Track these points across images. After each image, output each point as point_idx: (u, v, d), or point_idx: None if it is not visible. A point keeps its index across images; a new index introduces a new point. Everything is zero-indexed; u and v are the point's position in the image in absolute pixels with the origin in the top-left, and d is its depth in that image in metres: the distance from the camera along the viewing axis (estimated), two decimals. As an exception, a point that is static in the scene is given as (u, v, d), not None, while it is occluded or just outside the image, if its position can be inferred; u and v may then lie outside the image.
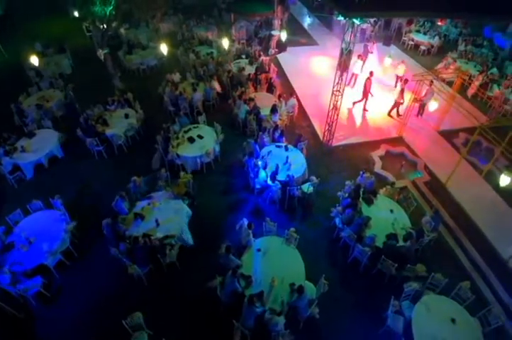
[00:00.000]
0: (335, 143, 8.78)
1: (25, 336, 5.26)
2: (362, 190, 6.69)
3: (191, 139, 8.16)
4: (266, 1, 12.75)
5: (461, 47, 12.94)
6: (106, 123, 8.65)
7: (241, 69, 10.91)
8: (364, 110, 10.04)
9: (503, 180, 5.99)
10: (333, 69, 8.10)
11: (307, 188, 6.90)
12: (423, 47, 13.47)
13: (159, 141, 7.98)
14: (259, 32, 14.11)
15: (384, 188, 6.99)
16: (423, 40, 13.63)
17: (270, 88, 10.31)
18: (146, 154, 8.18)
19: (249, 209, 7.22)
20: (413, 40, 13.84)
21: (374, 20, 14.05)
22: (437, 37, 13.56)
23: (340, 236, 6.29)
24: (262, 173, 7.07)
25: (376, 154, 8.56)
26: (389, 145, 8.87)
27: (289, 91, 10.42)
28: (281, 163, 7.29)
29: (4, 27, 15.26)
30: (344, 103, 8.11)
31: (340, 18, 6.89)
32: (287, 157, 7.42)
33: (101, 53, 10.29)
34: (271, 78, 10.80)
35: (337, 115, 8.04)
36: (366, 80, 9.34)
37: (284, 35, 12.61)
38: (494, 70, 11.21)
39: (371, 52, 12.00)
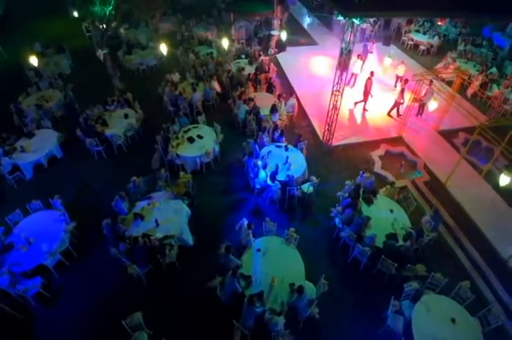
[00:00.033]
0: (334, 143, 8.78)
1: (25, 336, 5.26)
2: (361, 190, 6.69)
3: (190, 139, 8.16)
4: (265, 0, 12.75)
5: (460, 47, 12.94)
6: (106, 123, 8.64)
7: (241, 69, 10.91)
8: (364, 110, 10.04)
9: (503, 180, 5.99)
10: (333, 68, 8.10)
11: (307, 188, 6.90)
12: (422, 47, 13.48)
13: (159, 141, 7.97)
14: (259, 32, 14.10)
15: (384, 188, 6.99)
16: (422, 39, 13.63)
17: (270, 88, 10.30)
18: (146, 154, 8.18)
19: (249, 209, 7.22)
20: (412, 40, 13.84)
21: (374, 20, 14.05)
22: (436, 37, 13.56)
23: (340, 236, 6.29)
24: (262, 173, 7.07)
25: (375, 154, 8.56)
26: (389, 145, 8.87)
27: (289, 91, 10.41)
28: (281, 163, 7.29)
29: (4, 28, 15.25)
30: (344, 103, 8.11)
31: (340, 17, 6.90)
32: (287, 157, 7.42)
33: (101, 53, 10.28)
34: (270, 78, 10.79)
35: (337, 115, 8.04)
36: (367, 80, 9.34)
37: (284, 35, 12.61)
38: (494, 70, 11.22)
39: (371, 52, 12.00)
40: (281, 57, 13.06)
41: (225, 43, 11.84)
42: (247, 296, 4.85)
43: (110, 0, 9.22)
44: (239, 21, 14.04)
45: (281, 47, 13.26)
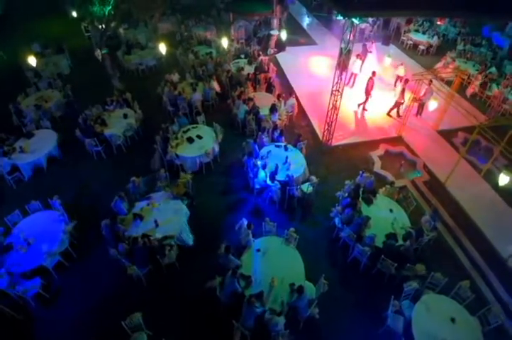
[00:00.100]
0: (334, 143, 8.78)
1: (24, 337, 5.25)
2: (361, 189, 6.69)
3: (190, 140, 8.15)
4: (265, 0, 12.73)
5: (460, 47, 12.94)
6: (105, 123, 8.63)
7: (240, 69, 10.89)
8: (364, 109, 10.04)
9: (502, 180, 6.00)
10: (332, 68, 8.10)
11: (306, 187, 6.89)
12: (421, 47, 13.47)
13: (158, 141, 7.96)
14: (258, 31, 14.09)
15: (384, 188, 6.99)
16: (421, 39, 13.63)
17: (269, 88, 10.30)
18: (145, 154, 8.16)
19: (249, 209, 7.21)
20: (411, 40, 13.84)
21: (373, 20, 14.05)
22: (435, 37, 13.57)
23: (340, 236, 6.29)
24: (262, 173, 7.06)
25: (375, 154, 8.56)
26: (388, 145, 8.87)
27: (288, 91, 10.41)
28: (281, 163, 7.28)
29: (3, 28, 15.22)
30: (344, 103, 8.10)
31: (339, 17, 6.90)
32: (286, 157, 7.41)
33: (99, 53, 10.27)
34: (270, 78, 10.78)
35: (337, 115, 8.04)
36: (368, 80, 9.32)
37: (284, 35, 12.59)
38: (493, 69, 11.22)
39: (371, 52, 12.00)
40: (280, 56, 13.06)
41: (224, 43, 11.84)
42: (246, 296, 4.84)
43: (110, 0, 9.20)
44: (238, 21, 14.03)
45: (280, 46, 13.25)
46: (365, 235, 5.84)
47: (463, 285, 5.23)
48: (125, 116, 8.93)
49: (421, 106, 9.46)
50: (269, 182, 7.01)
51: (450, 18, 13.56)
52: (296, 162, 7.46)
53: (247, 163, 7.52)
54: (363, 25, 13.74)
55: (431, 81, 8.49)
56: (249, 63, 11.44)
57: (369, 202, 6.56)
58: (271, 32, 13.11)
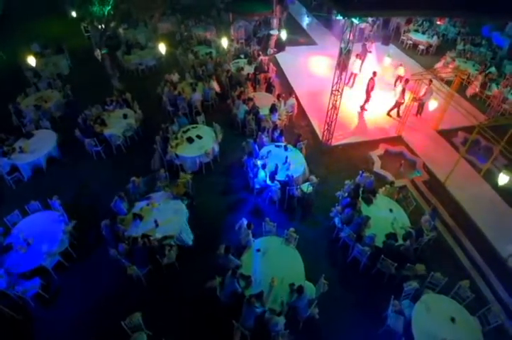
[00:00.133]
0: (334, 143, 8.78)
1: (24, 337, 5.24)
2: (361, 189, 6.69)
3: (190, 140, 8.14)
4: (264, 0, 12.73)
5: (459, 47, 12.95)
6: (105, 123, 8.62)
7: (240, 69, 10.89)
8: (363, 109, 10.03)
9: (502, 179, 6.00)
10: (332, 68, 8.10)
11: (306, 187, 6.89)
12: (421, 47, 13.47)
13: (158, 141, 7.96)
14: (258, 31, 14.09)
15: (383, 188, 6.99)
16: (421, 39, 13.63)
17: (269, 88, 10.29)
18: (145, 154, 8.16)
19: (249, 209, 7.21)
20: (411, 40, 13.84)
21: (373, 20, 14.04)
22: (435, 37, 13.57)
23: (340, 235, 6.29)
24: (262, 173, 7.06)
25: (375, 154, 8.56)
26: (388, 144, 8.87)
27: (288, 91, 10.41)
28: (281, 163, 7.28)
29: (2, 28, 15.21)
30: (344, 103, 8.10)
31: (339, 17, 6.89)
32: (286, 157, 7.41)
33: (99, 53, 10.26)
34: (270, 78, 10.78)
35: (337, 115, 8.04)
36: (369, 80, 9.32)
37: (284, 34, 12.59)
38: (493, 69, 11.22)
39: (370, 52, 12.00)
40: (280, 56, 13.06)
41: (224, 43, 11.84)
42: (246, 296, 4.84)
43: (109, 0, 9.19)
44: (238, 21, 14.03)
45: (280, 46, 13.25)
46: (365, 235, 5.84)
47: (463, 285, 5.23)
48: (125, 116, 8.92)
49: (421, 106, 9.46)
50: (269, 182, 7.01)
51: (450, 17, 13.56)
52: (295, 162, 7.45)
53: (247, 163, 7.52)
54: (363, 25, 13.73)
55: (431, 80, 8.49)
56: (249, 63, 11.43)
57: (368, 202, 6.56)
58: (271, 32, 13.11)
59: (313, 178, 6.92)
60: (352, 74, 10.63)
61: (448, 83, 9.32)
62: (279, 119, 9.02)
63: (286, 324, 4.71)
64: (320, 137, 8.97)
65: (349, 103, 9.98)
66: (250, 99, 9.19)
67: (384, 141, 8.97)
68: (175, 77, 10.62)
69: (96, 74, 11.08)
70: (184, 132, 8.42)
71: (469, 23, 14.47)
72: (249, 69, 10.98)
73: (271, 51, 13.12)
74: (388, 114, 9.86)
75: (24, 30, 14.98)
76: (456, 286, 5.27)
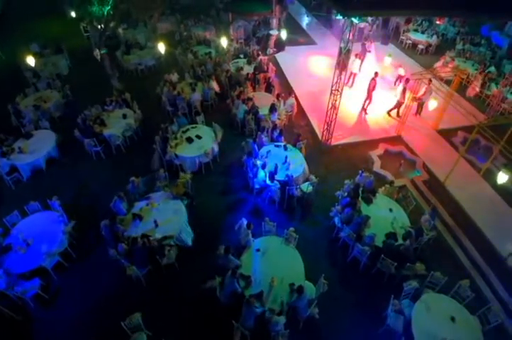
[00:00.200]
0: (333, 142, 8.78)
1: (24, 338, 5.23)
2: (361, 189, 6.69)
3: (189, 140, 8.13)
4: (264, 0, 12.73)
5: (459, 46, 12.95)
6: (104, 123, 8.61)
7: (239, 69, 10.88)
8: (365, 112, 10.02)
9: (501, 178, 6.00)
10: (332, 68, 8.09)
11: (306, 187, 6.89)
12: (420, 46, 13.47)
13: (158, 141, 7.95)
14: (258, 31, 14.08)
15: (383, 187, 6.98)
16: (420, 39, 13.63)
17: (268, 88, 10.29)
18: (144, 154, 8.15)
19: (249, 209, 7.20)
20: (410, 39, 13.84)
21: (372, 19, 14.04)
22: (435, 36, 13.57)
23: (340, 235, 6.28)
24: (261, 173, 7.06)
25: (375, 153, 8.56)
26: (388, 144, 8.87)
27: (288, 91, 10.41)
28: (280, 162, 7.28)
29: (1, 28, 15.19)
30: (343, 103, 8.10)
31: (339, 17, 6.88)
32: (286, 157, 7.40)
33: (98, 53, 10.25)
34: (269, 78, 10.78)
35: (336, 115, 8.03)
36: (371, 80, 9.30)
37: (284, 34, 12.58)
38: (492, 69, 11.22)
39: (370, 51, 11.99)
40: (279, 56, 13.05)
41: (223, 43, 11.83)
42: (246, 296, 4.83)
43: (108, 0, 9.18)
44: (237, 21, 14.03)
45: (279, 46, 13.24)
46: (365, 234, 5.84)
47: (463, 284, 5.23)
48: (124, 116, 8.91)
49: (421, 105, 9.46)
50: (268, 182, 7.00)
51: (449, 17, 13.56)
52: (295, 162, 7.45)
53: (246, 163, 7.51)
54: (362, 25, 13.70)
55: (430, 80, 8.49)
56: (249, 63, 11.43)
57: (368, 201, 6.56)
58: (271, 32, 13.11)
59: (313, 177, 6.92)
60: (351, 73, 10.63)
61: (447, 82, 9.32)
62: (279, 119, 9.02)
63: (286, 324, 4.70)
64: (320, 137, 8.97)
65: (349, 102, 9.97)
66: (250, 99, 9.18)
67: (384, 140, 8.96)
68: (174, 77, 10.61)
69: (96, 74, 11.06)
70: (184, 132, 8.41)
71: (468, 22, 14.47)
72: (248, 69, 10.98)
73: (270, 51, 13.11)
74: (389, 114, 9.86)
75: (23, 30, 14.96)
76: (456, 285, 5.27)
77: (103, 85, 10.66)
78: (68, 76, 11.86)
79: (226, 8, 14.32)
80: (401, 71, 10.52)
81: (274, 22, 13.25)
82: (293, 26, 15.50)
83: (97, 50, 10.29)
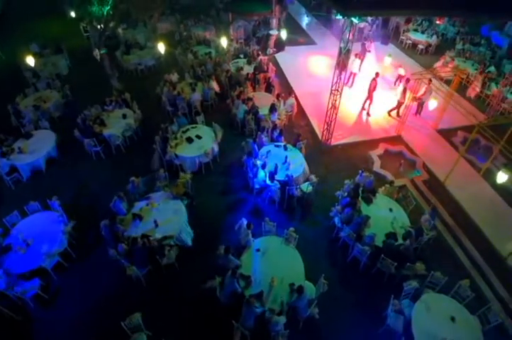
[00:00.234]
0: (333, 142, 8.78)
1: (23, 338, 5.23)
2: (361, 189, 6.69)
3: (189, 140, 8.13)
4: (264, 0, 12.73)
5: (459, 46, 12.95)
6: (104, 123, 8.61)
7: (239, 69, 10.88)
8: (363, 109, 10.03)
9: (500, 177, 6.00)
10: (332, 68, 8.09)
11: (306, 187, 6.88)
12: (420, 46, 13.47)
13: (158, 141, 7.95)
14: (257, 31, 14.08)
15: (383, 187, 6.98)
16: (420, 38, 13.63)
17: (268, 88, 10.28)
18: (144, 154, 8.15)
19: (248, 209, 7.20)
20: (410, 39, 13.84)
21: (372, 19, 14.04)
22: (434, 36, 13.57)
23: (340, 235, 6.28)
24: (261, 173, 7.05)
25: (374, 153, 8.56)
26: (388, 144, 8.87)
27: (288, 91, 10.41)
28: (280, 162, 7.27)
29: (1, 28, 15.19)
30: (343, 103, 8.10)
31: (339, 16, 6.88)
32: (286, 157, 7.40)
33: (98, 53, 10.24)
34: (269, 78, 10.78)
35: (336, 114, 8.03)
36: (371, 81, 9.29)
37: (284, 34, 12.58)
38: (492, 68, 11.23)
39: (369, 51, 11.99)
40: (279, 56, 13.05)
41: (223, 43, 11.83)
42: (246, 296, 4.83)
43: (108, 0, 9.17)
44: (237, 21, 14.03)
45: (279, 46, 13.24)
46: (365, 234, 5.84)
47: (463, 284, 5.23)
48: (124, 116, 8.91)
49: (420, 105, 9.46)
50: (268, 182, 7.00)
51: (449, 17, 13.56)
52: (295, 162, 7.45)
53: (246, 163, 7.51)
54: (362, 25, 13.71)
55: (430, 80, 8.49)
56: (249, 63, 11.42)
57: (368, 201, 6.56)
58: (271, 32, 13.11)
59: (313, 177, 6.92)
60: (351, 73, 10.63)
61: (447, 82, 9.32)
62: (279, 119, 9.02)
63: (286, 324, 4.70)
64: (320, 137, 8.96)
65: (349, 102, 9.97)
66: (250, 99, 9.18)
67: (384, 140, 8.96)
68: (174, 77, 10.61)
69: (95, 74, 11.06)
70: (184, 132, 8.41)
71: (468, 22, 14.47)
72: (248, 69, 10.97)
73: (270, 51, 13.11)
74: (389, 113, 9.85)
75: (23, 30, 14.95)
76: (456, 285, 5.27)
77: (102, 85, 10.66)
78: (68, 76, 11.85)
79: (226, 8, 14.32)
80: (401, 71, 10.52)
81: (274, 22, 13.25)
82: (293, 26, 15.49)
83: (97, 50, 10.29)
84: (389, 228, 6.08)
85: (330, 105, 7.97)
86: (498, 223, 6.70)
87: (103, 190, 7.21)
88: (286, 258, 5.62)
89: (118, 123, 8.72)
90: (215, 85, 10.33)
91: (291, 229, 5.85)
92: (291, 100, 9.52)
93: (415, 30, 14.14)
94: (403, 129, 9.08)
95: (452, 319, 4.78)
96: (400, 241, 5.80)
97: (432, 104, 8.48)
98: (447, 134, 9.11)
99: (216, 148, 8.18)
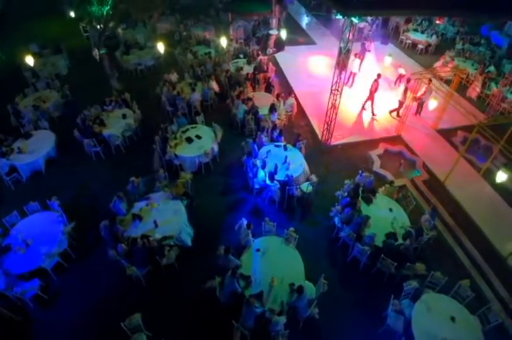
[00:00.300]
0: (333, 142, 8.78)
1: (23, 338, 5.22)
2: (361, 189, 6.68)
3: (189, 140, 8.13)
4: (263, 0, 12.72)
5: (458, 46, 12.95)
6: (103, 124, 8.60)
7: (239, 69, 10.88)
8: (363, 109, 10.03)
9: (500, 177, 6.00)
10: (331, 68, 8.09)
11: (306, 187, 6.88)
12: (420, 46, 13.47)
13: (157, 141, 7.94)
14: (257, 31, 14.08)
15: (383, 187, 6.98)
16: (420, 38, 13.63)
17: (268, 88, 10.28)
18: (144, 154, 8.14)
19: (248, 209, 7.20)
20: (410, 39, 13.84)
21: (372, 19, 14.03)
22: (434, 36, 13.57)
23: (340, 235, 6.28)
24: (261, 173, 7.05)
25: (374, 153, 8.56)
26: (388, 144, 8.87)
27: (287, 91, 10.40)
28: (280, 162, 7.27)
29: (1, 28, 15.17)
30: (343, 102, 8.09)
31: (339, 16, 6.87)
32: (286, 157, 7.40)
33: (97, 53, 10.23)
34: (269, 78, 10.77)
35: (336, 114, 8.03)
36: (373, 81, 9.27)
37: (283, 34, 12.58)
38: (492, 68, 11.23)
39: (369, 51, 11.99)
40: (279, 56, 13.04)
41: (223, 43, 11.83)
42: (246, 296, 4.83)
43: (108, 0, 9.17)
44: (237, 21, 14.02)
45: (279, 46, 13.24)
46: (365, 234, 5.83)
47: (463, 284, 5.23)
48: (124, 116, 8.90)
49: (420, 105, 9.45)
50: (268, 182, 7.00)
51: (449, 17, 13.57)
52: (295, 162, 7.44)
53: (246, 163, 7.50)
54: (362, 24, 13.70)
55: (430, 80, 8.49)
56: (248, 63, 11.42)
57: (368, 201, 6.55)
58: (270, 31, 13.10)
59: (313, 177, 6.91)
60: (351, 73, 10.62)
61: (447, 82, 9.32)
62: (279, 119, 9.01)
63: (286, 324, 4.70)
64: (320, 137, 8.96)
65: (349, 102, 9.96)
66: (249, 99, 9.18)
67: (384, 140, 8.96)
68: (174, 77, 10.60)
69: (95, 74, 11.05)
70: (183, 132, 8.40)
71: (468, 22, 14.47)
72: (248, 69, 10.97)
73: (270, 51, 13.10)
74: (390, 113, 9.85)
75: (23, 30, 14.94)
76: (456, 285, 5.27)
77: (102, 85, 10.65)
78: (67, 76, 11.84)
79: (226, 8, 14.32)
80: (402, 71, 10.51)
81: (274, 22, 13.24)
82: (293, 26, 15.49)
83: (96, 50, 10.28)
84: (389, 228, 6.07)
85: (330, 105, 7.97)
86: (498, 223, 6.70)
87: (102, 191, 7.20)
88: (286, 258, 5.62)
89: (117, 123, 8.72)
90: (214, 85, 10.32)
91: (291, 229, 5.85)
92: (291, 100, 9.52)
93: (415, 30, 14.14)
94: (403, 129, 9.08)
95: (452, 319, 4.78)
96: (400, 241, 5.80)
97: (432, 104, 8.48)
98: (447, 134, 9.11)
99: (216, 148, 8.17)
